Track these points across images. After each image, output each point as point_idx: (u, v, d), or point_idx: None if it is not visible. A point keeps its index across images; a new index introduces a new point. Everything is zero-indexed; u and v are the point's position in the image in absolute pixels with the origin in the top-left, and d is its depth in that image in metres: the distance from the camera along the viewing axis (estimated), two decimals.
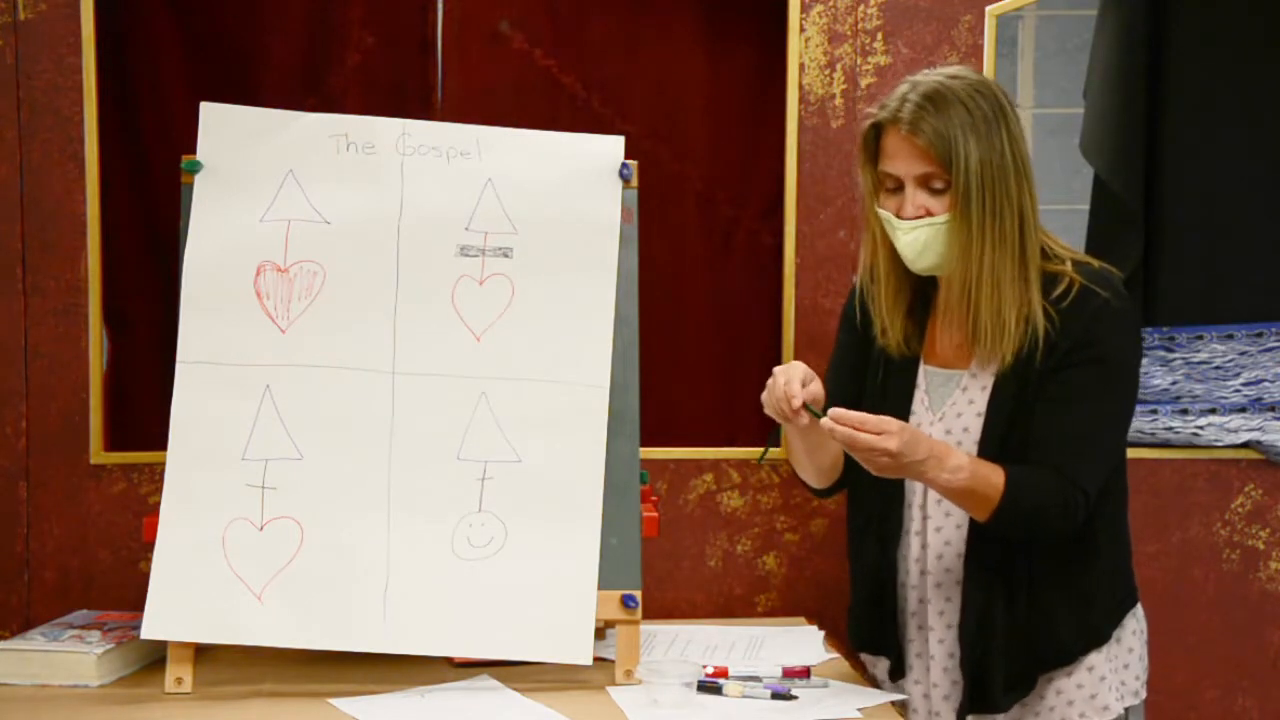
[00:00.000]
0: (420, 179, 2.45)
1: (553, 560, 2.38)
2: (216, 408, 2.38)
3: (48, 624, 2.59)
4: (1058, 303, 2.32)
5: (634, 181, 2.50)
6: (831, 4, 2.91)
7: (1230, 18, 2.99)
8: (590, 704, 2.30)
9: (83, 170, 2.79)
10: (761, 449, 2.68)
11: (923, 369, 2.44)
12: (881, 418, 2.20)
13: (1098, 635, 2.38)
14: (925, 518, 2.41)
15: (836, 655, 2.61)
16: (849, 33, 2.91)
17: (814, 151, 2.92)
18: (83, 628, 2.54)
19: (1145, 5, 2.94)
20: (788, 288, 2.94)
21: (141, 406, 2.84)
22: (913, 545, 2.42)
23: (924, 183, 2.30)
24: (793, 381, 2.27)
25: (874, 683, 2.50)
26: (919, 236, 2.31)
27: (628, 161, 2.49)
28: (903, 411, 2.40)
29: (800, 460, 2.50)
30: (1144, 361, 2.90)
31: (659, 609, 2.88)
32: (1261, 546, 3.03)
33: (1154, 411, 2.99)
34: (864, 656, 2.56)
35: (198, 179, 2.44)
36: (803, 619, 2.90)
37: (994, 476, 2.26)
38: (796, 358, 2.85)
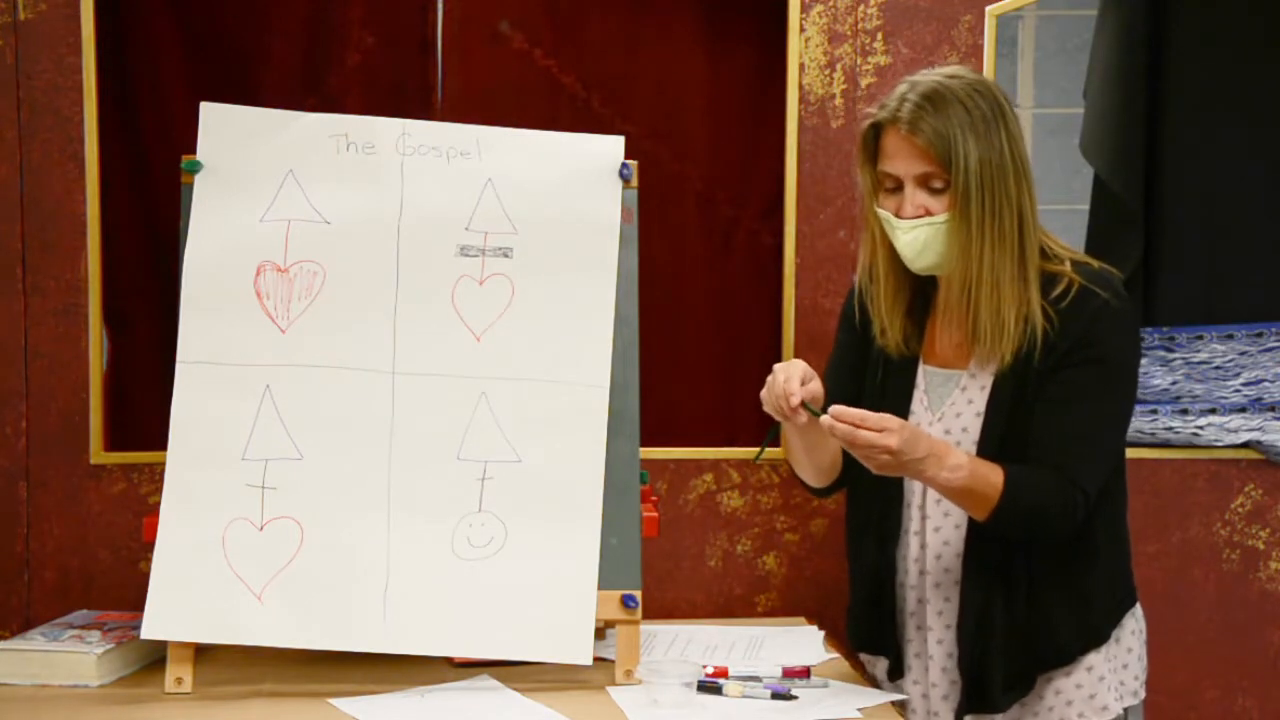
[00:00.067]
0: (420, 179, 2.45)
1: (553, 560, 2.38)
2: (216, 408, 2.38)
3: (48, 624, 2.59)
4: (1057, 303, 2.32)
5: (634, 181, 2.50)
6: (831, 4, 2.91)
7: (1230, 18, 2.99)
8: (590, 704, 2.30)
9: (83, 170, 2.79)
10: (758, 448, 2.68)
11: (922, 369, 2.44)
12: (882, 415, 2.20)
13: (1097, 635, 2.38)
14: (924, 518, 2.41)
15: (836, 655, 2.61)
16: (849, 33, 2.91)
17: (814, 151, 2.92)
18: (83, 628, 2.54)
19: (1145, 5, 2.94)
20: (788, 288, 2.94)
21: (141, 406, 2.84)
22: (911, 545, 2.42)
23: (923, 182, 2.30)
24: (792, 379, 2.27)
25: (873, 683, 2.50)
26: (918, 236, 2.31)
27: (628, 161, 2.49)
28: (902, 411, 2.40)
29: (799, 459, 2.50)
30: (1144, 361, 2.90)
31: (659, 609, 2.88)
32: (1261, 546, 3.02)
33: (1154, 411, 2.99)
34: (863, 656, 2.56)
35: (198, 179, 2.43)
36: (803, 619, 2.89)
37: (993, 476, 2.26)
38: (796, 357, 2.84)
